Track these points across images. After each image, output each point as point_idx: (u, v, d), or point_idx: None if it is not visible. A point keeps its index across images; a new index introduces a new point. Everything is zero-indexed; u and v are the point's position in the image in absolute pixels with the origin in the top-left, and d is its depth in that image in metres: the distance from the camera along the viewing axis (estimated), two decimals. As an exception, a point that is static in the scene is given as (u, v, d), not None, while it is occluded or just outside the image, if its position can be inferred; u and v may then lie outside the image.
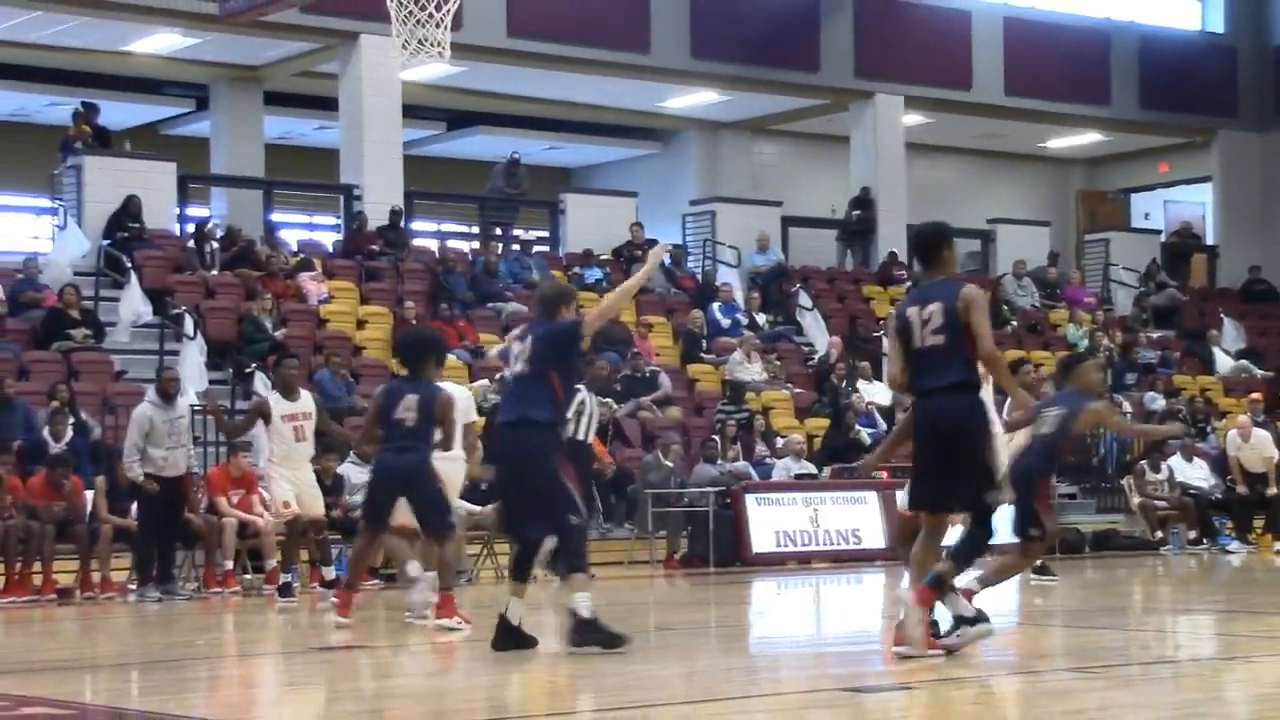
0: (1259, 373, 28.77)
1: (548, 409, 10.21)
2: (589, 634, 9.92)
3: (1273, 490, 22.62)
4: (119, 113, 27.86)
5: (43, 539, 16.30)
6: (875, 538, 20.59)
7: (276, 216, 26.84)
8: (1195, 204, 35.39)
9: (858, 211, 29.74)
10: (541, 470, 10.10)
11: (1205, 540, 22.84)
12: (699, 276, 27.50)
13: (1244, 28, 33.91)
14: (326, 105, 26.79)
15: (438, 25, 18.06)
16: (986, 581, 10.76)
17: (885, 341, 10.13)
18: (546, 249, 27.58)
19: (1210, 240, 34.22)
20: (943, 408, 9.40)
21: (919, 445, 9.65)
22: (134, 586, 16.49)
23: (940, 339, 9.40)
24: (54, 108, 27.61)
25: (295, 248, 25.05)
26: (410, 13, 18.04)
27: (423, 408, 11.93)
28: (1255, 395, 25.15)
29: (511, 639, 10.13)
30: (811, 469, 21.78)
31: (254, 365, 20.63)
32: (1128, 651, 10.97)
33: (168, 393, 16.43)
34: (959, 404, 9.40)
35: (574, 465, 10.96)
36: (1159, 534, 22.84)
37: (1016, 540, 10.91)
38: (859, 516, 20.83)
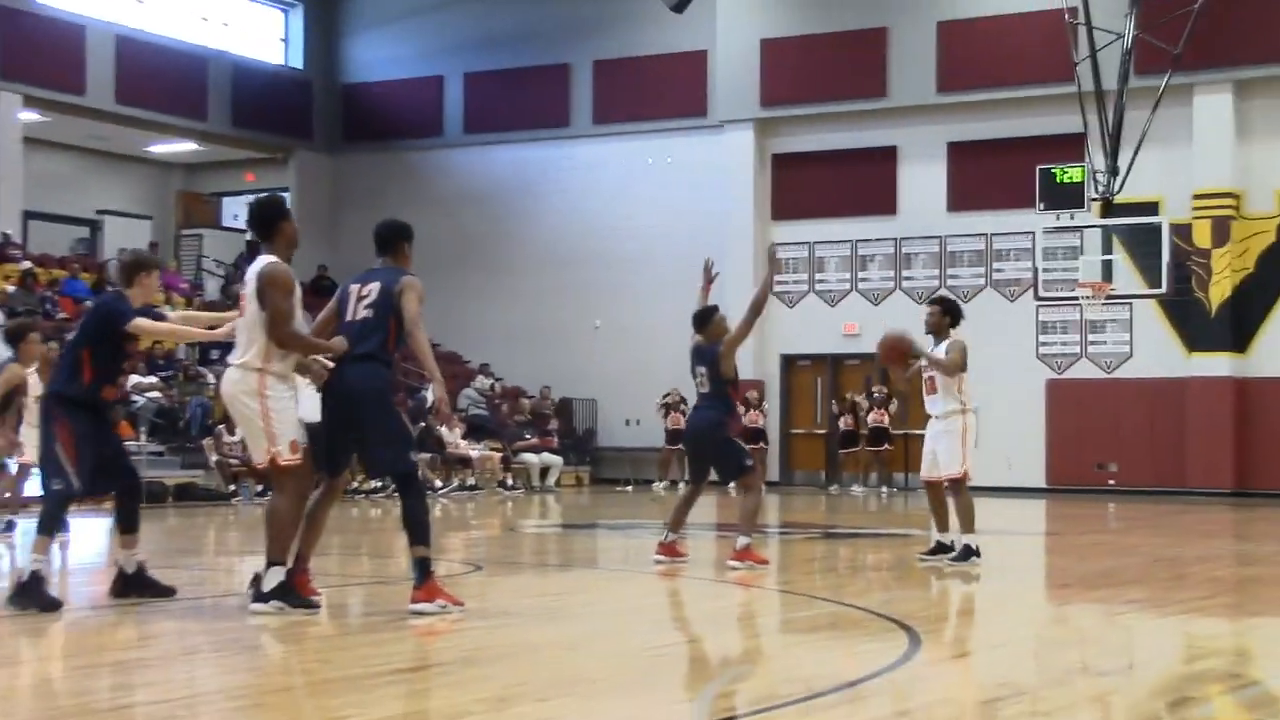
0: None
1: (60, 383, 9.35)
2: (26, 597, 8.93)
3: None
4: None
5: None
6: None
7: None
8: (275, 209, 35.85)
9: (-26, 196, 28.38)
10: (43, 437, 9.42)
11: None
12: None
13: (318, 67, 34.69)
14: None
15: None
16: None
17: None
18: None
19: (286, 240, 34.77)
20: (347, 375, 8.90)
21: (325, 409, 9.09)
22: None
23: (369, 314, 8.92)
24: None
25: None
26: None
27: None
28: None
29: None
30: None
31: None
32: (202, 586, 11.11)
33: None
34: (364, 372, 8.90)
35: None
36: (232, 487, 23.11)
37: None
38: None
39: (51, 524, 9.24)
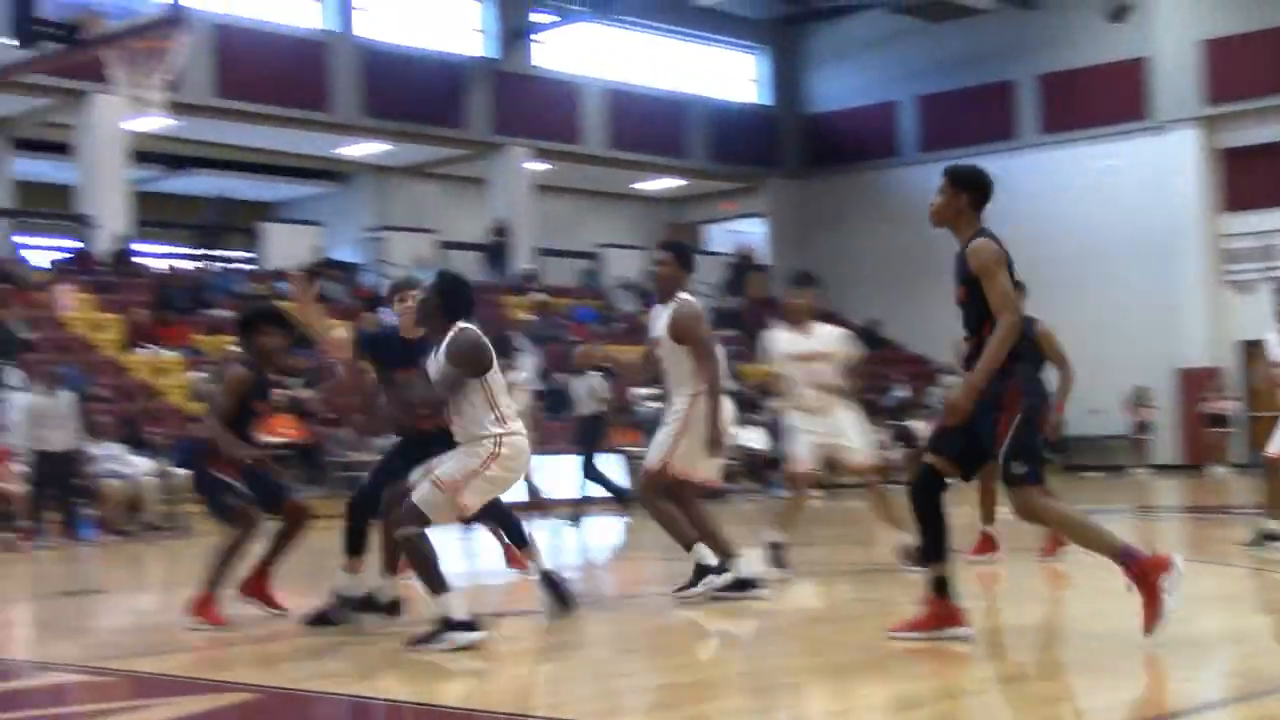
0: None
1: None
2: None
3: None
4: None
5: None
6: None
7: (25, 240, 25.92)
8: (752, 233, 36.33)
9: (496, 237, 29.82)
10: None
11: (761, 489, 23.51)
12: (374, 288, 27.22)
13: (785, 101, 34.98)
14: (66, 149, 25.64)
15: (155, 86, 17.37)
16: None
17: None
18: (250, 267, 27.02)
19: (764, 261, 35.19)
20: None
21: None
22: None
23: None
24: None
25: (45, 267, 24.18)
26: (130, 76, 17.35)
27: None
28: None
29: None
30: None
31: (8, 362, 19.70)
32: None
33: None
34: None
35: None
36: (729, 485, 23.32)
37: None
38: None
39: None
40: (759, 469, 23.89)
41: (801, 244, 34.34)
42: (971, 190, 7.03)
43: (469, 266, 30.22)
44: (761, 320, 31.86)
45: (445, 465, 7.20)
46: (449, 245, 30.24)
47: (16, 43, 13.96)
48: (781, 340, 10.37)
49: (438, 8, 29.70)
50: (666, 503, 8.80)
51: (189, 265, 27.07)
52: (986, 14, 31.67)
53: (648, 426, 22.74)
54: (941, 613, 6.82)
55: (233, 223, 28.61)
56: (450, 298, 7.30)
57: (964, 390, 6.77)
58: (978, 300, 6.76)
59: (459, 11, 29.94)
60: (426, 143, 29.44)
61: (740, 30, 34.13)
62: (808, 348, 10.18)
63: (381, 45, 28.28)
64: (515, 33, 30.26)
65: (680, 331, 8.73)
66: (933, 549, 6.89)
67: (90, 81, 21.70)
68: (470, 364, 7.17)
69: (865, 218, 32.98)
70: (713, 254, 35.63)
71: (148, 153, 26.79)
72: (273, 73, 26.74)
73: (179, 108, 21.61)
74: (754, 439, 24.23)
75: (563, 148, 31.06)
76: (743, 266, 34.19)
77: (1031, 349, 10.13)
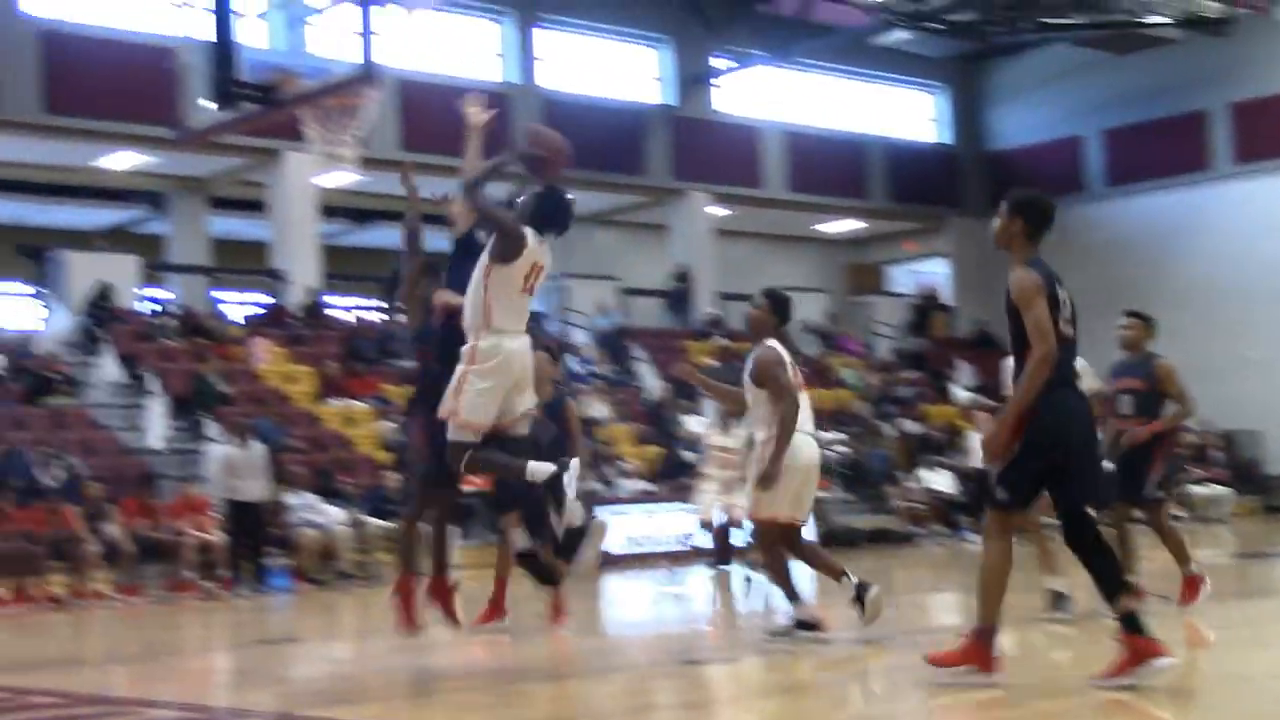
0: (988, 402, 29.12)
1: None
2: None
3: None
4: (93, 216, 27.45)
5: (38, 558, 15.94)
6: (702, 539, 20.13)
7: (222, 295, 26.68)
8: (935, 273, 35.92)
9: (678, 283, 29.94)
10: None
11: (950, 533, 23.14)
12: (558, 336, 27.51)
13: (966, 139, 34.59)
14: (260, 207, 26.43)
15: (347, 143, 17.75)
16: None
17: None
18: (436, 317, 27.53)
19: (947, 301, 34.75)
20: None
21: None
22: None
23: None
24: (41, 214, 27.20)
25: (240, 321, 24.89)
26: (324, 133, 17.76)
27: None
28: (983, 415, 24.75)
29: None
30: (649, 485, 21.79)
31: (206, 414, 20.31)
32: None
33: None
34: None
35: None
36: (917, 529, 23.06)
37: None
38: (687, 522, 20.46)
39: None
40: (947, 513, 23.51)
41: (985, 283, 33.75)
42: (1026, 217, 7.18)
43: (652, 313, 30.44)
44: (947, 360, 31.56)
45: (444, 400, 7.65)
46: (631, 292, 30.43)
47: (216, 105, 14.36)
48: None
49: (617, 57, 30.05)
50: (778, 557, 9.05)
51: (375, 317, 27.63)
52: (1174, 44, 30.94)
53: (831, 471, 22.60)
54: (1139, 648, 6.63)
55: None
56: (541, 207, 8.13)
57: (997, 425, 6.91)
58: (1019, 328, 6.96)
59: (638, 60, 30.26)
60: (607, 190, 29.68)
61: (919, 69, 33.86)
62: None
63: (562, 95, 28.64)
64: (694, 79, 30.45)
65: (760, 375, 9.04)
66: (1108, 586, 6.76)
67: (282, 140, 22.31)
68: (502, 233, 7.79)
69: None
70: (895, 295, 35.36)
71: (335, 207, 27.47)
72: (456, 126, 26.81)
73: (367, 162, 22.16)
74: (941, 482, 23.89)
75: (743, 192, 31.09)
76: (926, 307, 33.82)
77: (1152, 388, 10.02)
